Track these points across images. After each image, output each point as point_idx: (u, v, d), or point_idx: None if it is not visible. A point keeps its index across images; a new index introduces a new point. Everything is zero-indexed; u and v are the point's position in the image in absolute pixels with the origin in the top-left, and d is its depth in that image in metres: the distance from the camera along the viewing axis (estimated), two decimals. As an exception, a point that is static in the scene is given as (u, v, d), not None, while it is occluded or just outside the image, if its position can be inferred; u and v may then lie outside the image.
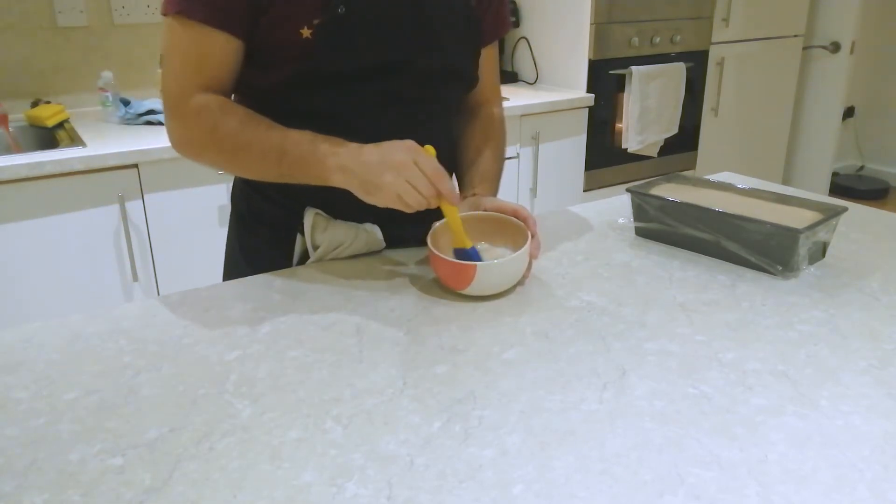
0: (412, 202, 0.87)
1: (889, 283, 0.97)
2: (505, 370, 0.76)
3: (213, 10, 0.91)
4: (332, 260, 1.05)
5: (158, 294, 1.98)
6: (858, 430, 0.66)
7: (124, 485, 0.60)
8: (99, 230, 1.87)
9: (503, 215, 0.99)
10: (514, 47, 2.93)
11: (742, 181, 1.43)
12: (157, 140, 1.92)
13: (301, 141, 0.92)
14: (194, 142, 0.98)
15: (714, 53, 3.07)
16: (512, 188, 2.55)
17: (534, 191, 2.61)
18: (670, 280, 0.98)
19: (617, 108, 2.77)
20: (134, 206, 1.90)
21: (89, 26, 2.28)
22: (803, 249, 0.97)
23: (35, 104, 2.17)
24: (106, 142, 1.91)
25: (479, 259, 0.93)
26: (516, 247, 0.95)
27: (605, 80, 2.68)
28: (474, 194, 1.05)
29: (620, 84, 2.72)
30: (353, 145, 0.90)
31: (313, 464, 0.62)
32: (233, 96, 1.01)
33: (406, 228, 1.04)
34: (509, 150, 2.47)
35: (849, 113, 4.41)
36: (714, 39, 3.04)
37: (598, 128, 2.73)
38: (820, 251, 1.03)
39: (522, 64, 2.92)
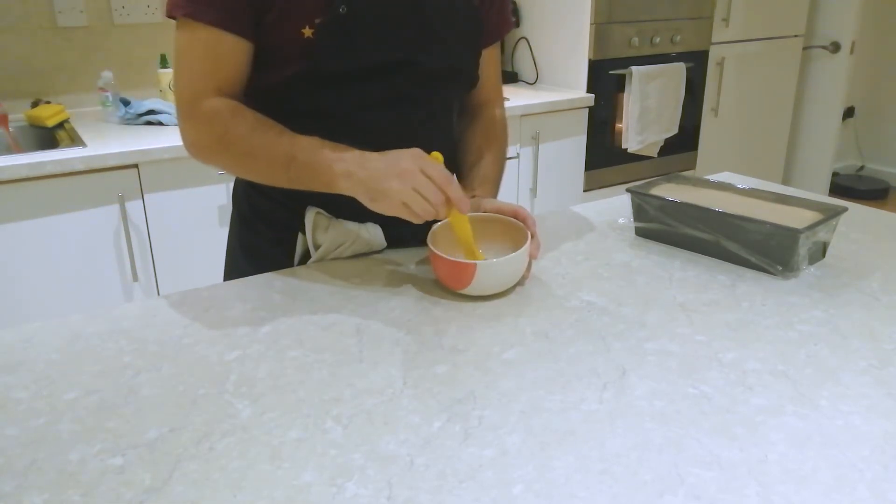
0: (419, 210, 0.86)
1: (889, 283, 0.97)
2: (505, 370, 0.76)
3: (220, 12, 0.91)
4: (332, 259, 1.05)
5: (158, 294, 1.98)
6: (858, 430, 0.66)
7: (124, 485, 0.60)
8: (99, 230, 1.87)
9: (503, 216, 0.99)
10: (515, 47, 2.93)
11: (742, 181, 1.43)
12: (157, 140, 1.92)
13: (309, 147, 0.92)
14: (206, 146, 0.98)
15: (714, 53, 3.07)
16: (512, 188, 2.55)
17: (534, 191, 2.61)
18: (670, 280, 0.98)
19: (617, 108, 2.77)
20: (134, 206, 1.90)
21: (89, 26, 2.28)
22: (803, 249, 0.97)
23: (35, 104, 2.17)
24: (106, 142, 1.91)
25: None
26: (516, 247, 0.95)
27: (605, 80, 2.68)
28: (474, 196, 1.05)
29: (620, 84, 2.72)
30: (359, 152, 0.90)
31: (313, 464, 0.62)
32: None
33: (407, 228, 1.01)
34: (509, 150, 2.46)
35: (849, 113, 4.41)
36: (714, 39, 3.04)
37: (599, 128, 2.73)
38: (820, 251, 1.03)
39: (522, 64, 2.92)
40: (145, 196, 1.91)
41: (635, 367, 0.76)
